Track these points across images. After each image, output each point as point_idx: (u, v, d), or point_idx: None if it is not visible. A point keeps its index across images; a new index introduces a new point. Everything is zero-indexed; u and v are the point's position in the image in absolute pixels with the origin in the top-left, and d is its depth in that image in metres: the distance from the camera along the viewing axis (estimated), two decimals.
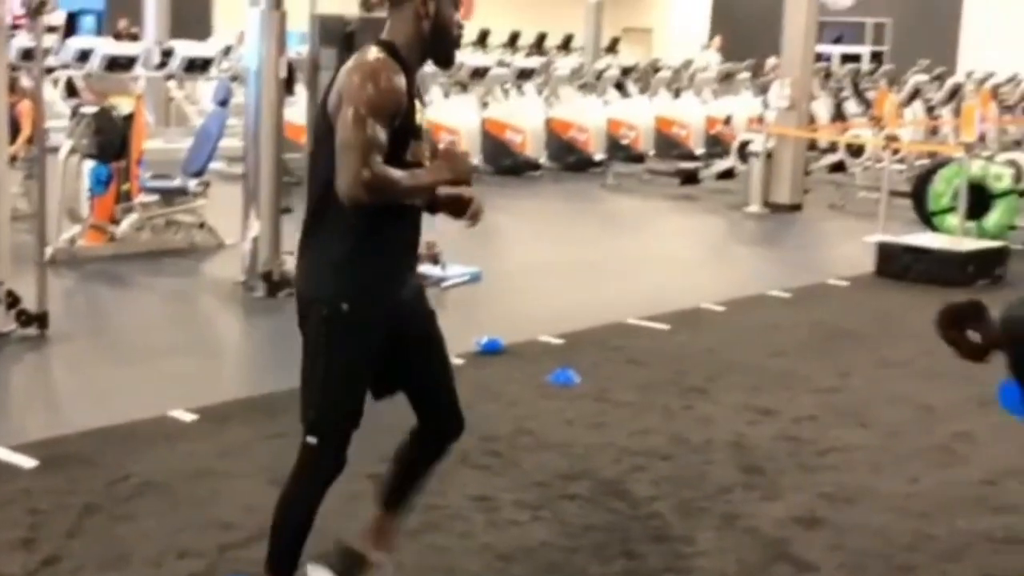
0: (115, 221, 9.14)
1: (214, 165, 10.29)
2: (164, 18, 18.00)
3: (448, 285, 8.15)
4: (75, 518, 4.29)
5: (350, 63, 3.19)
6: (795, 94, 13.18)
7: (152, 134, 13.31)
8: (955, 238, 9.94)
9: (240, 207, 8.36)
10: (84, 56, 13.86)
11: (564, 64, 17.78)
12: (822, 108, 16.57)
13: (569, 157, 15.66)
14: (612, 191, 14.47)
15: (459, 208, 3.33)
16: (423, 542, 4.25)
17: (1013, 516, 4.62)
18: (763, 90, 16.87)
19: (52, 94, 15.08)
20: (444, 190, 3.31)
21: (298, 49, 11.41)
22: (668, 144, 16.67)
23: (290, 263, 8.12)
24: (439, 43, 3.27)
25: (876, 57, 24.95)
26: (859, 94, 18.24)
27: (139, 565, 3.97)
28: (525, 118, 15.06)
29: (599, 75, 17.30)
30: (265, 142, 8.10)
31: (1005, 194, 10.94)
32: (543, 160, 15.27)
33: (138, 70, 13.79)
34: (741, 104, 17.31)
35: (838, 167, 15.13)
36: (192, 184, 9.51)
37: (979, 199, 10.73)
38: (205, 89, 16.03)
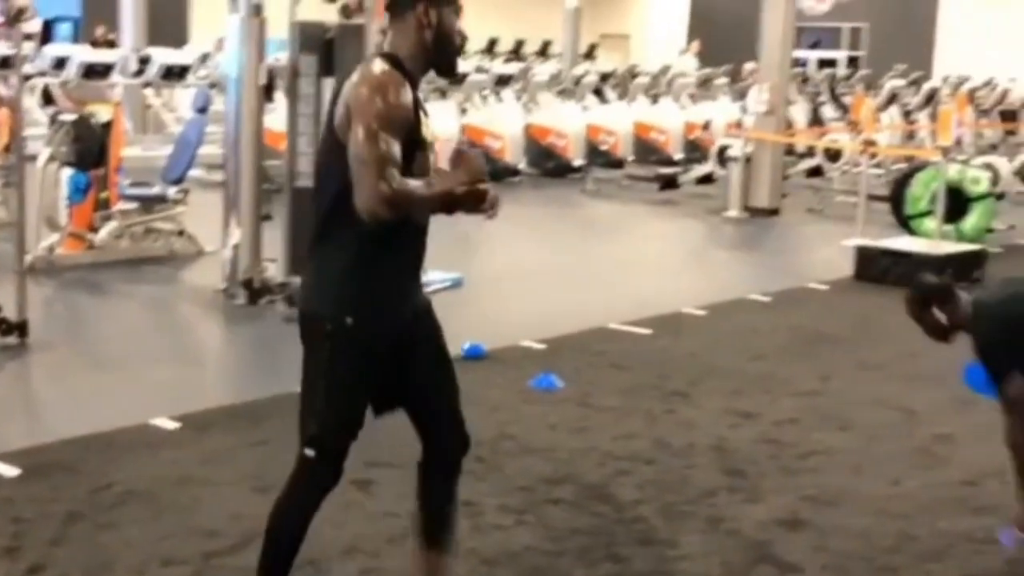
0: (94, 229, 9.11)
1: (193, 172, 10.26)
2: (141, 25, 17.94)
3: (429, 291, 8.12)
4: (59, 526, 4.28)
5: (355, 77, 3.16)
6: (773, 99, 13.24)
7: (130, 142, 13.26)
8: (933, 242, 10.00)
9: (219, 214, 8.35)
10: (60, 64, 13.81)
11: (543, 70, 17.82)
12: (799, 113, 16.65)
13: (548, 163, 15.68)
14: (592, 197, 14.50)
15: (476, 203, 3.23)
16: (407, 547, 4.22)
17: (994, 517, 4.64)
18: (741, 95, 16.94)
19: (29, 102, 15.04)
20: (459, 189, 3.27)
21: (276, 55, 11.40)
22: (647, 149, 16.71)
23: (271, 270, 8.14)
24: (442, 52, 3.26)
25: (853, 62, 25.07)
26: (836, 99, 18.34)
27: (123, 573, 3.97)
28: (504, 124, 15.08)
29: (578, 81, 17.34)
30: (245, 149, 8.09)
31: (982, 197, 11.02)
32: (522, 166, 15.29)
33: (115, 77, 13.75)
34: (719, 109, 17.35)
35: (816, 171, 15.19)
36: (171, 191, 9.49)
37: (956, 203, 10.81)
38: (183, 96, 16.00)
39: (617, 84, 18.11)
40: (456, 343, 6.72)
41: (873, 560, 4.35)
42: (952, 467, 5.30)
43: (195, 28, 22.24)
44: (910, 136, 17.20)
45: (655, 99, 17.55)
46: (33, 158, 8.81)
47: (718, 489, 4.97)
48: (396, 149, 3.08)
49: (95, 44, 16.64)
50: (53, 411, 5.92)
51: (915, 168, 11.86)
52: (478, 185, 3.17)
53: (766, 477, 5.15)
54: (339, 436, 3.30)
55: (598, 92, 17.50)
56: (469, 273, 8.77)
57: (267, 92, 8.78)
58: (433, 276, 8.30)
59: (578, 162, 15.61)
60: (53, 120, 9.30)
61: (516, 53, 22.12)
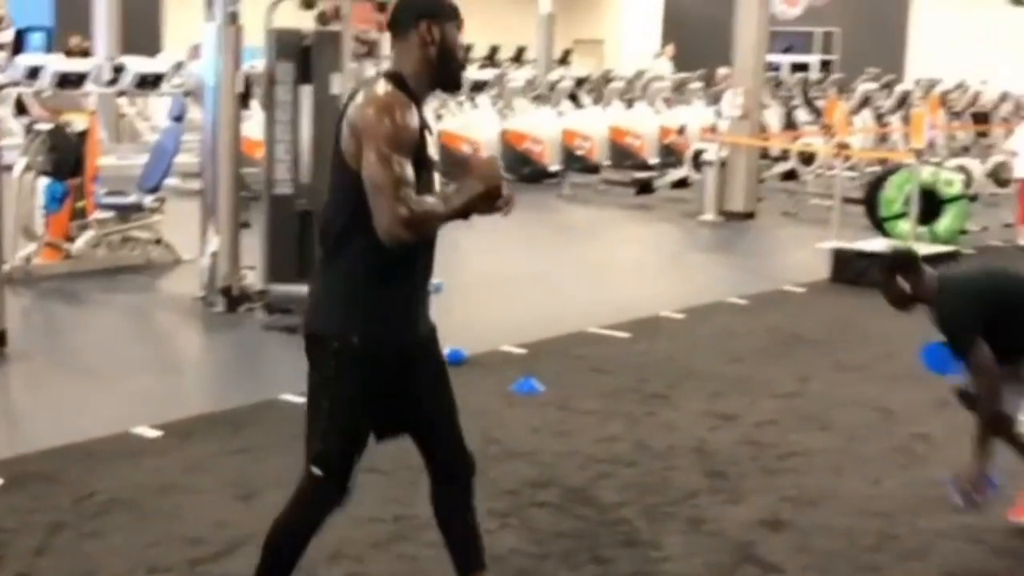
0: (70, 238, 9.08)
1: (169, 181, 10.23)
2: (115, 34, 17.87)
3: None
4: (42, 536, 4.27)
5: (360, 99, 3.15)
6: (748, 103, 13.31)
7: (104, 151, 13.21)
8: (907, 243, 10.07)
9: (197, 223, 8.34)
10: (34, 73, 13.76)
11: (518, 76, 17.84)
12: (773, 117, 16.73)
13: (524, 168, 15.69)
14: (568, 201, 14.53)
15: (491, 205, 3.18)
16: (392, 552, 4.27)
17: (973, 515, 4.69)
18: (715, 100, 17.01)
19: (2, 111, 14.99)
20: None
21: (251, 63, 11.38)
22: (622, 154, 16.74)
23: (250, 278, 8.13)
24: (446, 68, 3.23)
25: (825, 66, 25.22)
26: (809, 103, 18.43)
27: None
28: (479, 130, 15.08)
29: (552, 86, 17.38)
30: (223, 157, 8.08)
31: (955, 199, 11.11)
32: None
33: (89, 86, 13.70)
34: (694, 114, 17.43)
35: (790, 175, 15.28)
36: (148, 200, 9.47)
37: (930, 204, 10.90)
38: (157, 105, 15.95)
39: (592, 89, 18.16)
40: None
41: (855, 559, 4.39)
42: (931, 466, 5.34)
43: (168, 37, 22.17)
44: (883, 139, 17.31)
45: (630, 104, 17.62)
46: (9, 168, 8.79)
47: (700, 490, 5.01)
48: (409, 170, 3.07)
49: (69, 53, 16.55)
50: (33, 421, 5.90)
51: (889, 171, 11.95)
52: (494, 187, 3.14)
53: (747, 478, 5.19)
54: (345, 454, 3.28)
55: (573, 97, 17.54)
56: (447, 279, 8.72)
57: (243, 100, 8.77)
58: None
59: (554, 167, 15.63)
60: (29, 130, 9.26)
61: (491, 59, 22.13)
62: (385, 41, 10.68)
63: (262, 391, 6.21)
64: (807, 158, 15.74)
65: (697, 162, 13.82)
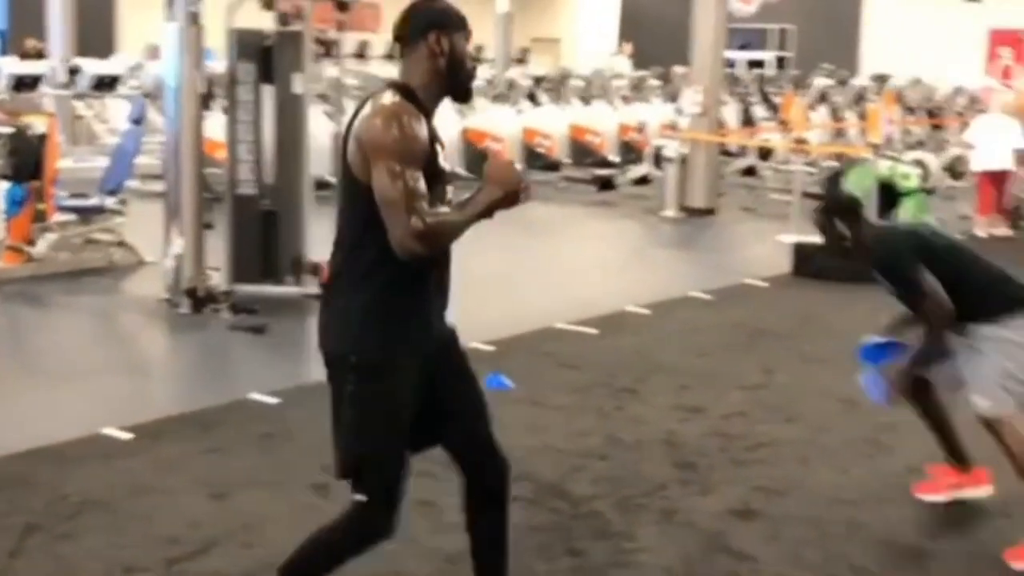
0: (32, 242, 9.01)
1: (129, 183, 10.17)
2: (69, 36, 17.72)
3: None
4: (16, 538, 4.25)
5: (367, 110, 3.10)
6: (707, 101, 13.40)
7: (62, 153, 13.10)
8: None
9: (159, 224, 8.30)
10: None
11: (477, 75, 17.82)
12: (730, 114, 16.86)
13: (486, 167, 15.71)
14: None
15: (512, 200, 3.12)
16: (369, 551, 4.27)
17: (941, 504, 4.79)
18: (673, 97, 17.12)
19: None
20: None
21: (209, 63, 11.33)
22: (583, 152, 16.81)
23: (215, 278, 8.10)
24: (456, 78, 3.20)
25: (780, 63, 25.41)
26: (766, 99, 18.59)
27: None
28: (439, 129, 15.04)
29: (511, 85, 17.41)
30: (186, 157, 8.05)
31: (913, 193, 11.23)
32: (459, 170, 15.32)
33: (45, 89, 13.58)
34: (653, 111, 17.53)
35: (750, 171, 15.41)
36: (109, 202, 9.42)
37: (888, 198, 11.01)
38: (114, 107, 15.84)
39: (551, 88, 18.20)
40: None
41: (825, 547, 4.45)
42: (897, 455, 5.42)
43: (123, 38, 22.02)
44: (839, 134, 17.49)
45: (587, 102, 17.68)
46: None
47: (670, 482, 5.06)
48: (421, 183, 3.03)
49: (24, 56, 16.42)
50: (1, 425, 5.85)
51: (846, 165, 12.06)
52: (512, 193, 3.09)
53: (717, 469, 5.24)
54: (383, 474, 3.20)
55: (531, 96, 17.59)
56: None
57: (205, 101, 8.75)
58: None
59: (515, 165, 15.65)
60: None
61: None
62: (345, 41, 10.68)
63: (230, 391, 6.20)
64: (764, 153, 15.88)
65: (657, 159, 13.90)
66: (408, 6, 3.26)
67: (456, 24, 3.21)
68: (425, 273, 3.19)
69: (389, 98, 3.11)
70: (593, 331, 7.65)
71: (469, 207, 3.11)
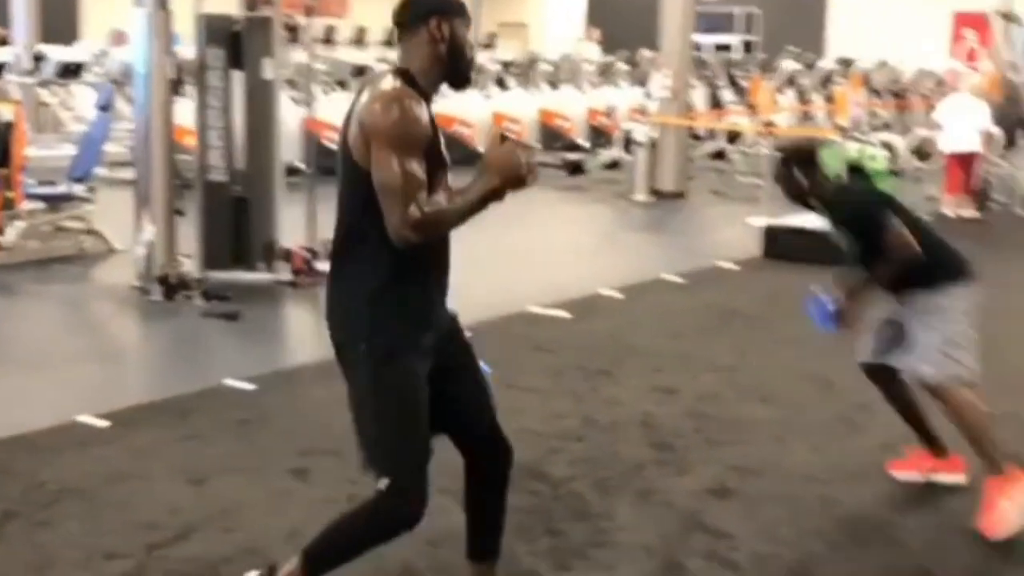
0: (0, 230, 8.94)
1: (97, 171, 10.10)
2: (33, 23, 17.55)
3: None
4: None
5: (367, 96, 3.08)
6: (676, 85, 13.44)
7: (28, 141, 12.99)
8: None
9: (128, 212, 8.27)
10: None
11: None
12: (698, 97, 16.90)
13: (455, 152, 15.68)
14: None
15: (518, 183, 3.07)
16: None
17: (914, 483, 4.85)
18: (641, 82, 17.15)
19: None
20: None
21: (177, 49, 11.26)
22: (552, 136, 16.83)
23: (187, 265, 8.07)
24: (456, 64, 3.17)
25: (747, 46, 25.49)
26: (733, 82, 18.65)
27: (67, 568, 3.95)
28: None
29: (479, 69, 17.37)
30: (156, 144, 8.02)
31: (881, 174, 11.32)
32: None
33: (9, 76, 13.46)
34: (621, 95, 17.56)
35: (719, 154, 15.47)
36: (78, 189, 9.36)
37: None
38: (79, 94, 15.72)
39: (519, 72, 18.20)
40: None
41: (800, 524, 4.50)
42: (870, 434, 5.48)
43: (86, 24, 21.84)
44: (806, 117, 17.57)
45: (555, 86, 17.68)
46: None
47: (647, 463, 5.09)
48: (420, 170, 3.01)
49: None
50: None
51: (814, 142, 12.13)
52: (512, 179, 3.04)
53: (692, 450, 5.28)
54: (407, 461, 3.18)
55: (499, 81, 17.57)
56: None
57: (175, 87, 8.70)
58: None
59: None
60: None
61: None
62: (311, 26, 10.62)
63: (205, 378, 6.18)
64: (733, 137, 15.93)
65: (627, 143, 13.93)
66: None
67: (457, 10, 3.19)
68: (427, 257, 3.18)
69: (390, 83, 3.08)
70: (567, 315, 7.67)
71: (467, 195, 3.07)
